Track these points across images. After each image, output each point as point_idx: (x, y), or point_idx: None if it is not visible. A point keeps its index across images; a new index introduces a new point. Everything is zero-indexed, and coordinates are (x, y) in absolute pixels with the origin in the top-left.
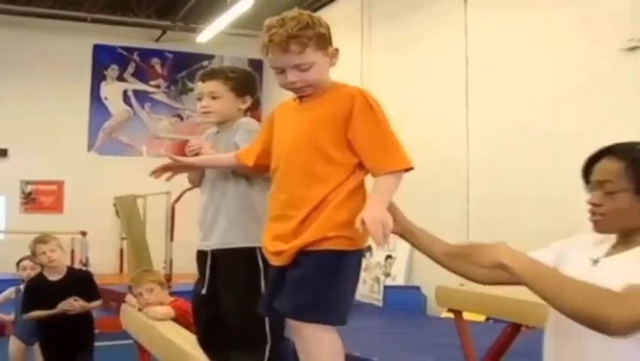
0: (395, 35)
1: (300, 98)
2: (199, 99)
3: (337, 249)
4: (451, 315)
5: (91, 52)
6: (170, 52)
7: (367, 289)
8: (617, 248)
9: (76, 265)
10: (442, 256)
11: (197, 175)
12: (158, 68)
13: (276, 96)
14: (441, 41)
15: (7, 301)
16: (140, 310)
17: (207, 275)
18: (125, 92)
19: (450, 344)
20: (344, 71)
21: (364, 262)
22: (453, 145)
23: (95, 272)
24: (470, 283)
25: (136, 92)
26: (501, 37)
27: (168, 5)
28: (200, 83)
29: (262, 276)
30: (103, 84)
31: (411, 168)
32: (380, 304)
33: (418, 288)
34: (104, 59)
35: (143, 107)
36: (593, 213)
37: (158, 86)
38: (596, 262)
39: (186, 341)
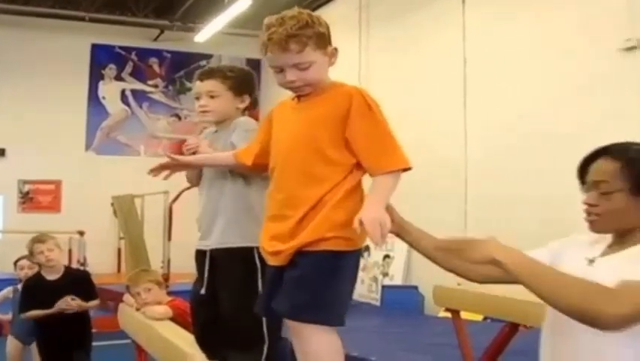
0: (393, 36)
1: (299, 97)
2: (197, 98)
3: (335, 249)
4: (449, 315)
5: (89, 51)
6: (168, 51)
7: (365, 289)
8: (612, 248)
9: (74, 265)
10: (432, 251)
11: (195, 174)
12: (156, 67)
13: (274, 96)
14: (439, 42)
15: (4, 300)
16: (137, 309)
17: (206, 275)
18: (122, 92)
19: (447, 343)
20: (342, 72)
21: (362, 262)
22: (451, 145)
23: (93, 272)
24: (468, 283)
25: (134, 92)
26: (499, 37)
27: (166, 5)
28: (198, 82)
29: (259, 276)
30: (101, 84)
31: (409, 168)
32: (378, 303)
33: (415, 288)
34: (102, 58)
35: (140, 107)
36: (588, 214)
37: (156, 86)
38: (592, 261)
39: (184, 340)
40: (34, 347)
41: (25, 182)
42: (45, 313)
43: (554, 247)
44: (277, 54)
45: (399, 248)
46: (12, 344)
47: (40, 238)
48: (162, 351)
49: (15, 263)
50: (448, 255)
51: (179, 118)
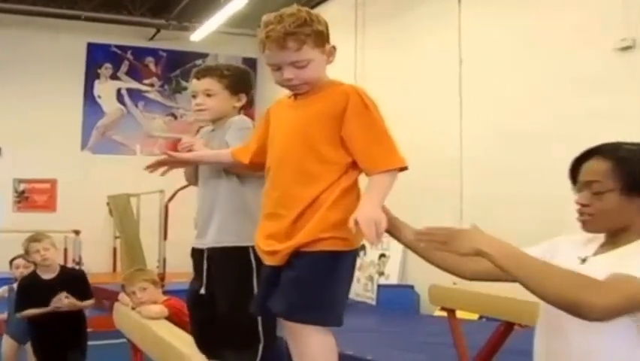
0: (389, 35)
1: (296, 95)
2: (194, 97)
3: (331, 250)
4: (445, 314)
5: (85, 50)
6: (164, 50)
7: (361, 288)
8: (605, 247)
9: (70, 264)
10: (425, 249)
11: (193, 173)
12: (152, 66)
13: (270, 94)
14: (435, 41)
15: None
16: (133, 309)
17: (205, 274)
18: (118, 91)
19: (443, 342)
20: (337, 71)
21: (358, 261)
22: (446, 145)
23: (88, 271)
24: (463, 283)
25: (130, 91)
26: (495, 37)
27: (162, 4)
28: (195, 81)
29: (255, 275)
30: (96, 83)
31: (405, 168)
32: (373, 302)
33: (411, 287)
34: (97, 57)
35: (136, 106)
36: (581, 213)
37: (151, 85)
38: (584, 260)
39: (180, 340)
40: (29, 347)
41: (21, 181)
42: (41, 311)
43: (546, 246)
44: (275, 52)
45: (395, 247)
46: (7, 343)
47: (35, 237)
48: (158, 350)
49: (10, 262)
50: (439, 252)
51: (175, 117)
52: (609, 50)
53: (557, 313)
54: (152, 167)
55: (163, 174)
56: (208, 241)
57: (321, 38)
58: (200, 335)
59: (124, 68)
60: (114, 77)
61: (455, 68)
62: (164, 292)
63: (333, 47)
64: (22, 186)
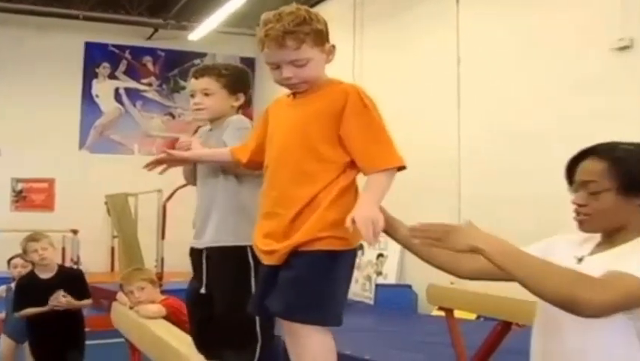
0: (387, 35)
1: (294, 94)
2: (192, 96)
3: (330, 249)
4: (442, 313)
5: (82, 49)
6: (162, 50)
7: (359, 288)
8: (601, 247)
9: (68, 264)
10: (421, 248)
11: (191, 172)
12: (149, 66)
13: (268, 94)
14: (433, 41)
15: None
16: (131, 308)
17: (205, 273)
18: (116, 90)
19: (441, 342)
20: (336, 70)
21: (356, 261)
22: (444, 144)
23: (86, 270)
24: (461, 282)
25: (127, 90)
26: (493, 37)
27: (160, 3)
28: (193, 80)
29: (252, 274)
30: (94, 82)
31: (403, 167)
32: (371, 302)
33: (409, 286)
34: (95, 56)
35: (134, 105)
36: (577, 213)
37: (149, 84)
38: (580, 260)
39: (177, 339)
40: (27, 346)
41: (19, 180)
42: (38, 310)
43: (542, 245)
44: (274, 50)
45: (392, 247)
46: (5, 343)
47: (33, 237)
48: (156, 350)
49: (8, 262)
50: (436, 249)
51: (173, 117)
52: (607, 50)
53: (554, 312)
54: (151, 165)
55: (162, 172)
56: (206, 241)
57: (320, 37)
58: (200, 334)
59: (122, 67)
60: (112, 76)
61: (453, 67)
62: (162, 292)
63: (333, 46)
64: (20, 186)
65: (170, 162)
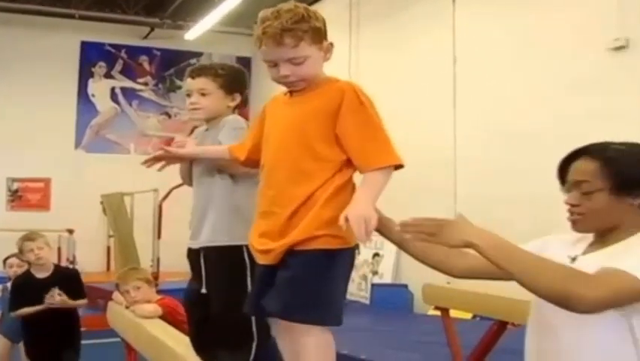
0: (383, 34)
1: (291, 92)
2: (188, 95)
3: (326, 248)
4: (438, 313)
5: (78, 49)
6: (158, 49)
7: (355, 287)
8: (593, 246)
9: (63, 263)
10: (414, 247)
11: (187, 172)
12: (146, 65)
13: (264, 93)
14: (429, 41)
15: None
16: (127, 307)
17: (204, 273)
18: (112, 90)
19: (437, 341)
20: (332, 70)
21: None
22: (440, 144)
23: (82, 270)
24: (457, 282)
25: (124, 90)
26: (489, 36)
27: (156, 2)
28: (189, 80)
29: (249, 274)
30: (90, 81)
31: (401, 166)
32: (367, 302)
33: (405, 286)
34: (91, 56)
35: (130, 105)
36: (571, 213)
37: (146, 84)
38: (574, 259)
39: (173, 339)
40: (23, 346)
41: (14, 180)
42: (34, 309)
43: (537, 244)
44: (272, 48)
45: (388, 247)
46: (0, 342)
47: (29, 236)
48: (151, 349)
49: (4, 261)
50: (430, 247)
51: (169, 116)
52: (603, 50)
53: (548, 311)
54: (149, 162)
55: (160, 169)
56: (202, 240)
57: (318, 35)
58: (198, 334)
59: (118, 66)
60: (108, 75)
61: (449, 67)
62: (158, 292)
63: (331, 44)
64: (15, 185)
65: (168, 159)
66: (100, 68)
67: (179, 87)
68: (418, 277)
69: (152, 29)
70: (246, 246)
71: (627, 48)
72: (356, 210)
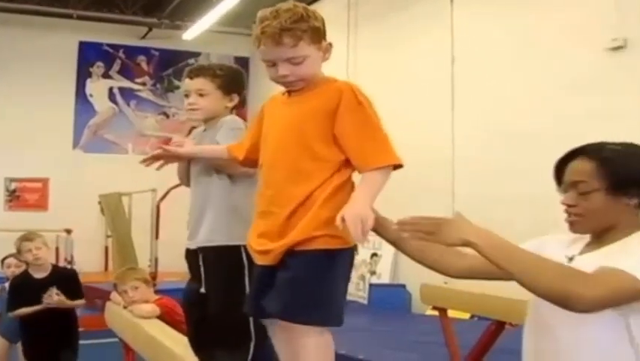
0: (381, 35)
1: (289, 92)
2: (186, 96)
3: (326, 248)
4: (436, 313)
5: (76, 49)
6: (156, 49)
7: (353, 287)
8: (590, 246)
9: (61, 263)
10: (410, 246)
11: (185, 172)
12: (144, 65)
13: (262, 93)
14: (427, 41)
15: None
16: (125, 308)
17: (203, 273)
18: (110, 90)
19: (435, 341)
20: (330, 70)
21: None
22: (438, 144)
23: (80, 270)
24: (454, 282)
25: (121, 90)
26: (487, 37)
27: (154, 2)
28: (187, 80)
29: (247, 274)
30: (88, 81)
31: (400, 166)
32: (365, 302)
33: (403, 286)
34: (89, 55)
35: (128, 105)
36: (568, 214)
37: (143, 84)
38: (571, 259)
39: (171, 339)
40: (21, 346)
41: (12, 180)
42: (32, 310)
43: (534, 244)
44: (270, 48)
45: (386, 247)
46: None
47: (28, 237)
48: (149, 350)
49: (2, 261)
50: (427, 247)
51: (167, 116)
52: (601, 50)
53: (545, 311)
54: (147, 161)
55: (158, 168)
56: (200, 240)
57: (317, 35)
58: (196, 334)
59: (116, 66)
60: (106, 75)
61: (447, 67)
62: (156, 292)
63: (330, 44)
64: (13, 185)
65: (167, 158)
66: (98, 68)
67: (177, 87)
68: (415, 277)
69: (150, 29)
70: (244, 246)
71: (625, 48)
72: (353, 210)
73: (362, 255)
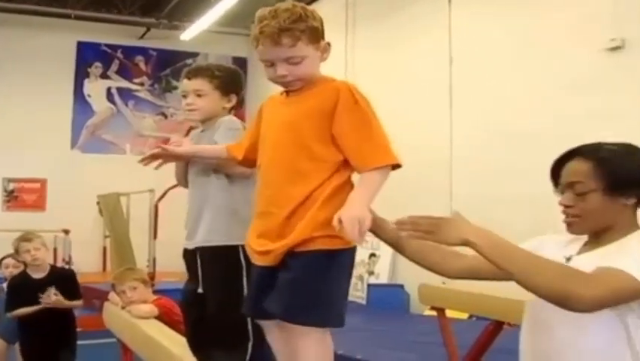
0: (379, 35)
1: (288, 92)
2: (184, 96)
3: (326, 248)
4: (434, 313)
5: (74, 49)
6: (154, 49)
7: (351, 287)
8: (588, 246)
9: (59, 264)
10: (408, 247)
11: (183, 173)
12: (142, 65)
13: (260, 93)
14: (425, 41)
15: None
16: (123, 308)
17: (200, 273)
18: (108, 90)
19: (433, 341)
20: (328, 70)
21: None
22: (437, 144)
23: (78, 270)
24: (453, 282)
25: (120, 90)
26: (485, 37)
27: (152, 2)
28: (185, 81)
29: (244, 274)
30: (86, 81)
31: (398, 166)
32: (364, 302)
33: (401, 286)
34: (87, 56)
35: (126, 105)
36: (566, 215)
37: (142, 84)
38: (568, 259)
39: (169, 339)
40: (19, 346)
41: (10, 180)
42: (31, 310)
43: (532, 244)
44: (269, 48)
45: (385, 247)
46: None
47: (26, 237)
48: (148, 350)
49: (0, 262)
50: (425, 248)
51: (165, 116)
52: (599, 50)
53: (543, 311)
54: (146, 160)
55: (157, 167)
56: (198, 241)
57: (315, 35)
58: (195, 334)
59: (114, 66)
60: (104, 75)
61: (445, 67)
62: (154, 292)
63: (328, 44)
64: (11, 186)
65: (165, 157)
66: (96, 68)
67: (175, 87)
68: (414, 277)
69: (148, 29)
70: (242, 246)
71: (623, 48)
72: (350, 211)
73: (360, 255)
